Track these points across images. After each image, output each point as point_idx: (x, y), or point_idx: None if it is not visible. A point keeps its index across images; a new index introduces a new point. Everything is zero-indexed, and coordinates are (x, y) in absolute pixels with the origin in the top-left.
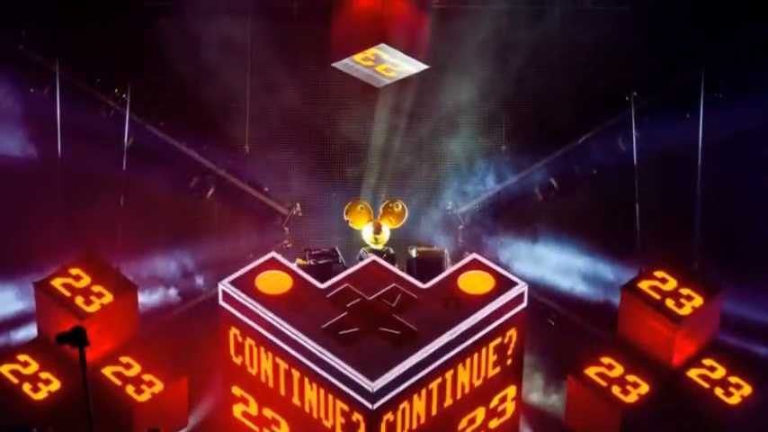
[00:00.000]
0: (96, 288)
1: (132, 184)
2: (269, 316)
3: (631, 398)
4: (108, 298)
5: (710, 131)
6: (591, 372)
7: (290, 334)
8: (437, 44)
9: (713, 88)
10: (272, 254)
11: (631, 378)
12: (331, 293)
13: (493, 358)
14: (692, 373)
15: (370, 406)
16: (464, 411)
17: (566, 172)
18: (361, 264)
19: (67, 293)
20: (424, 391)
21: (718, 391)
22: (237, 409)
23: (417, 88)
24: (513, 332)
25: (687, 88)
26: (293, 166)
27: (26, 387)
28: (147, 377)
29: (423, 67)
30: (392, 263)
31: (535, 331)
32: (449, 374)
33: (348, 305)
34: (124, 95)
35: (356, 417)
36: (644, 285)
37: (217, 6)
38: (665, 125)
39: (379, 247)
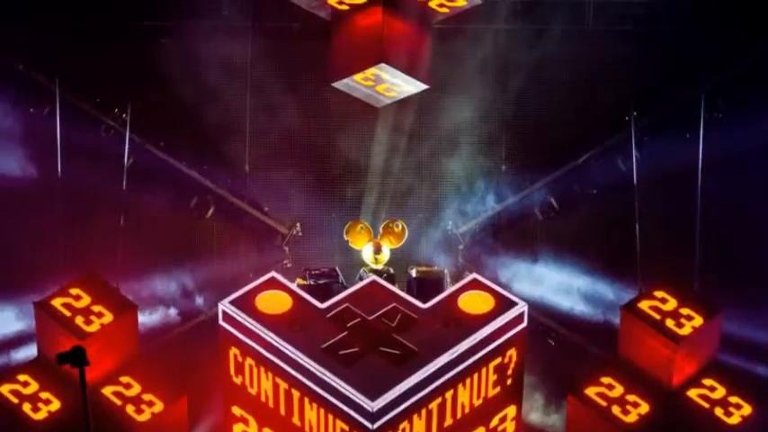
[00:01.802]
0: (96, 308)
1: (132, 203)
2: (269, 336)
3: (631, 418)
4: (108, 318)
5: (710, 151)
6: (591, 391)
7: (290, 354)
8: (437, 64)
9: (713, 108)
10: (272, 273)
11: (631, 398)
12: (331, 313)
13: (493, 378)
14: (692, 393)
15: (370, 426)
16: (464, 431)
17: (566, 192)
18: (361, 284)
19: (67, 313)
20: (424, 411)
21: (718, 411)
22: (237, 429)
23: (417, 108)
24: (513, 352)
25: (687, 108)
26: (293, 186)
27: (26, 407)
28: (147, 397)
29: (423, 86)
30: (392, 283)
31: (535, 351)
32: (449, 394)
33: (348, 325)
34: (124, 115)
35: None
36: (644, 305)
37: (217, 26)
38: (666, 145)
39: (379, 266)
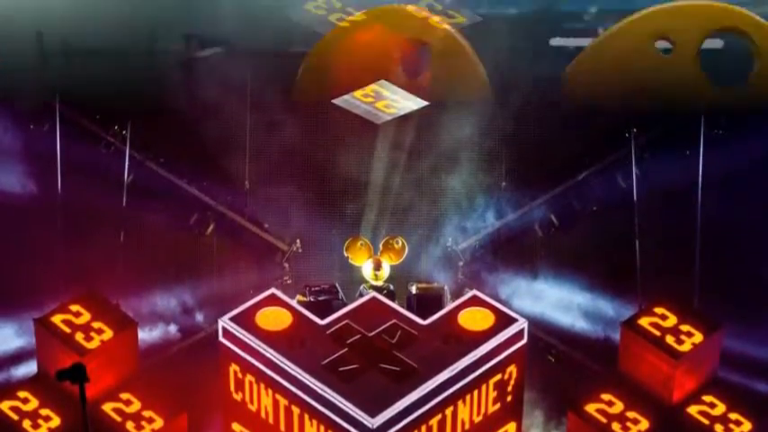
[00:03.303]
0: (96, 324)
1: (132, 220)
2: (269, 352)
3: None
4: (108, 334)
5: (711, 168)
6: (591, 408)
7: (290, 370)
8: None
9: (714, 125)
10: (272, 290)
11: (631, 414)
12: (331, 330)
13: (493, 395)
14: (692, 410)
15: None
16: None
17: (566, 208)
18: (361, 300)
19: (67, 330)
20: (424, 428)
21: (719, 428)
22: None
23: (417, 124)
24: (513, 368)
25: (688, 124)
26: (293, 203)
27: (26, 424)
28: (147, 413)
29: (423, 103)
30: (392, 299)
31: (535, 367)
32: (449, 411)
33: (348, 341)
34: (124, 132)
35: None
36: (644, 322)
37: (217, 41)
38: (666, 161)
39: (379, 283)
